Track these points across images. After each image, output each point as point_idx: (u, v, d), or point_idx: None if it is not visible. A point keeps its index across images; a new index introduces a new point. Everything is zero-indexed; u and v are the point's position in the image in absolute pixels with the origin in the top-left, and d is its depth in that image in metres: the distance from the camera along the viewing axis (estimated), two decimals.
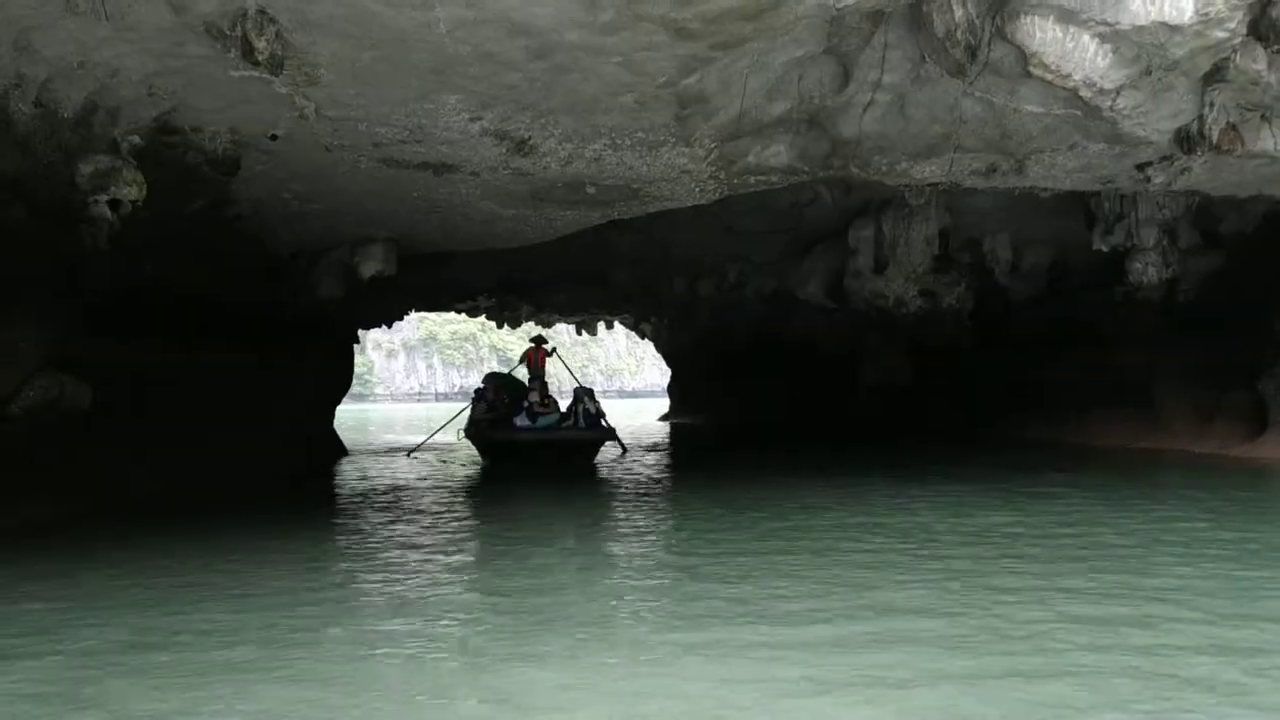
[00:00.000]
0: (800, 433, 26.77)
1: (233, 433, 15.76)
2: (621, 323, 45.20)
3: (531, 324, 44.16)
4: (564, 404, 20.15)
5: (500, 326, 45.49)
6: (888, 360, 27.08)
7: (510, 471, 17.24)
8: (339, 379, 21.41)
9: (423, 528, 10.67)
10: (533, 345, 21.71)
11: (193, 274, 14.47)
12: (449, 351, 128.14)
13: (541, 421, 18.59)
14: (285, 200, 14.30)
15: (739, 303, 31.44)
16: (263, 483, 15.11)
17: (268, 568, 8.27)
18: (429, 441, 23.72)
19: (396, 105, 10.23)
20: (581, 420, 19.02)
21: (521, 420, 18.59)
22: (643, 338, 48.72)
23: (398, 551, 9.07)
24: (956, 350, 24.93)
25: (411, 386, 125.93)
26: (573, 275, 30.49)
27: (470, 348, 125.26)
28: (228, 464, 15.07)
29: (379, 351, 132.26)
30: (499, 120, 10.95)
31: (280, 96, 9.85)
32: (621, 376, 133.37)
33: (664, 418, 44.22)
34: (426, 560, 8.64)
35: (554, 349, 21.73)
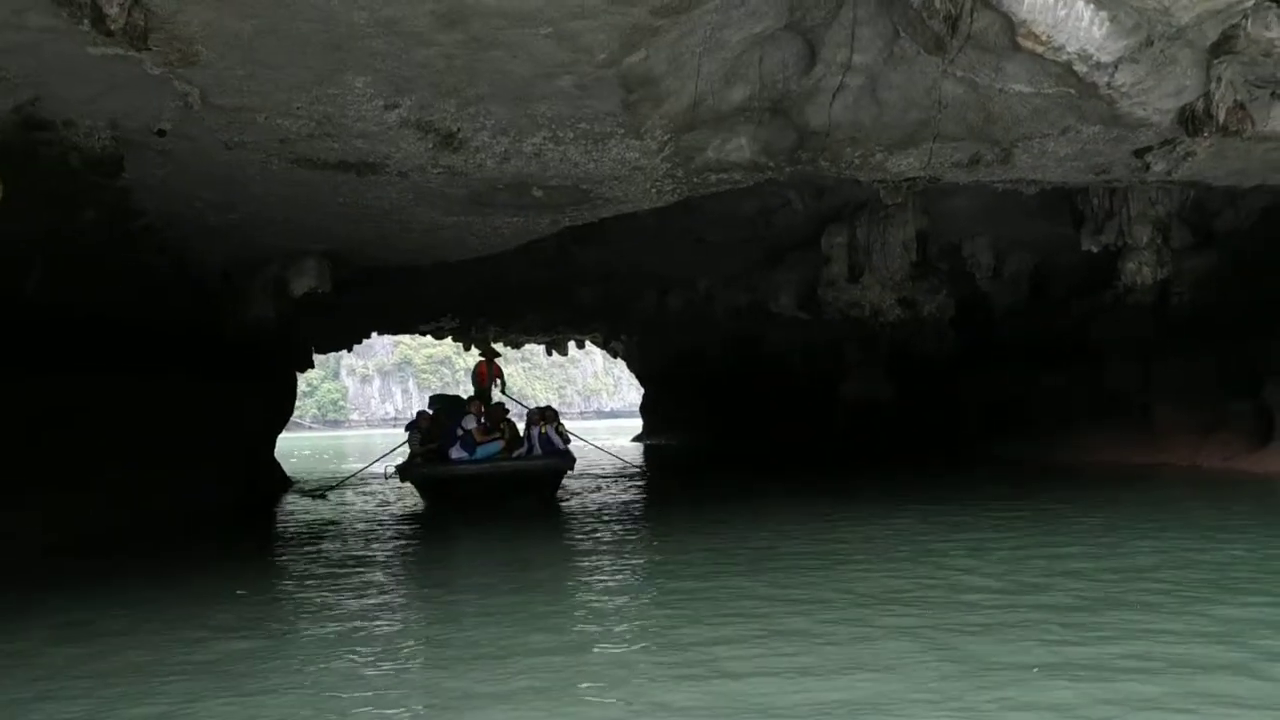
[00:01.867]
0: (777, 454, 25.47)
1: (150, 468, 14.32)
2: (591, 341, 43.90)
3: (501, 345, 42.96)
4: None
5: (468, 348, 44.02)
6: (867, 375, 25.84)
7: (450, 511, 14.93)
8: (279, 405, 19.97)
9: (351, 589, 9.27)
10: (482, 359, 19.60)
11: (98, 294, 13.08)
12: (424, 375, 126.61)
13: (481, 451, 15.62)
14: (199, 211, 12.92)
15: (710, 317, 30.23)
16: (180, 524, 13.64)
17: (131, 644, 6.88)
18: (361, 473, 21.65)
19: (296, 91, 8.89)
20: (538, 447, 16.20)
21: (456, 451, 15.61)
22: (615, 356, 47.41)
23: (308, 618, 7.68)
24: (939, 363, 23.72)
25: (387, 411, 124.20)
26: (537, 292, 29.23)
27: (446, 371, 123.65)
28: (143, 505, 13.61)
29: (353, 377, 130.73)
30: (418, 108, 9.62)
31: (157, 81, 8.50)
32: (599, 397, 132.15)
33: (638, 438, 42.99)
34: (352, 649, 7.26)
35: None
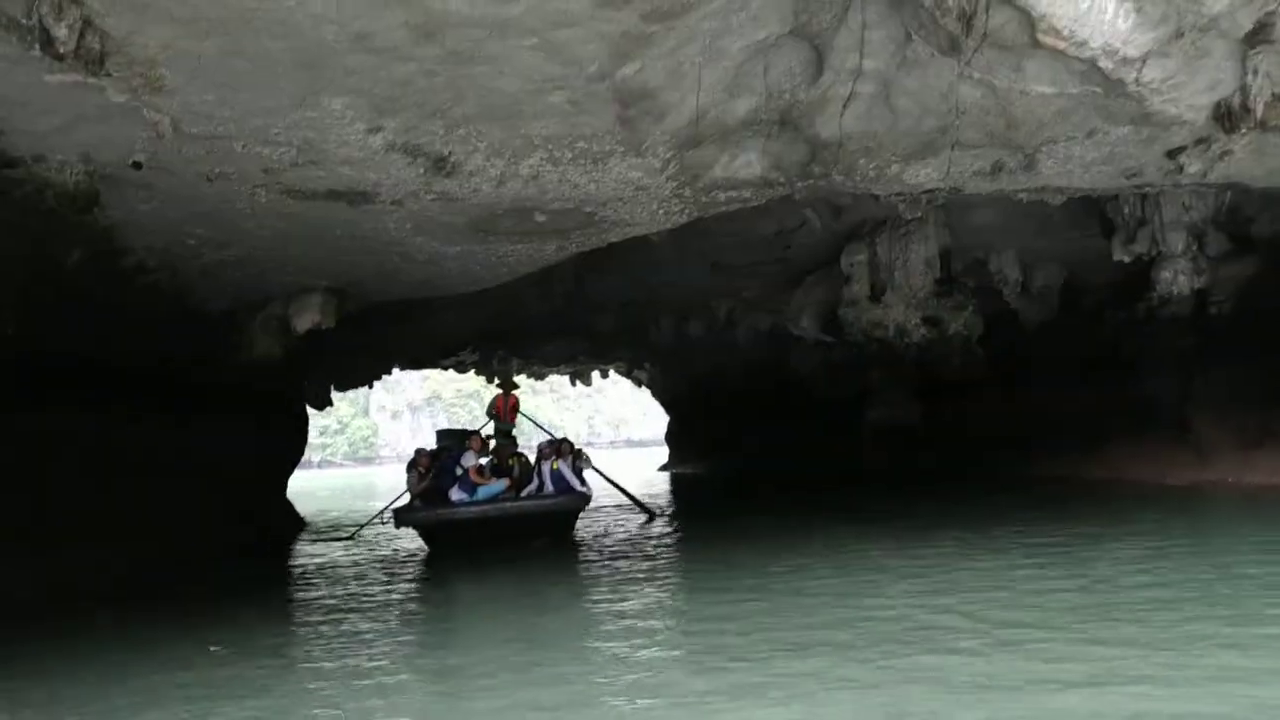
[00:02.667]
0: (804, 482, 24.75)
1: (145, 512, 13.84)
2: (615, 370, 43.39)
3: (524, 377, 42.53)
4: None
5: (490, 381, 43.54)
6: (893, 398, 25.10)
7: (451, 556, 13.63)
8: (288, 445, 19.49)
9: (337, 645, 8.69)
10: (500, 392, 18.54)
11: (91, 335, 12.65)
12: (454, 410, 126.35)
13: (483, 492, 14.35)
14: (193, 248, 12.50)
15: (732, 343, 29.68)
16: (174, 570, 13.10)
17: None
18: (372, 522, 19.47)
19: (272, 115, 8.42)
20: (549, 484, 14.79)
21: (456, 492, 14.35)
22: (640, 385, 46.83)
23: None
24: (967, 382, 22.97)
25: (418, 447, 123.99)
26: (555, 322, 28.79)
27: (475, 404, 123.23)
28: (136, 552, 13.11)
29: (383, 414, 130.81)
30: (404, 131, 9.14)
31: (125, 110, 8.05)
32: (629, 426, 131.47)
33: (663, 468, 42.39)
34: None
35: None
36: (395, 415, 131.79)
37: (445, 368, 39.78)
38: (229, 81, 7.70)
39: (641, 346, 32.94)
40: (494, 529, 13.75)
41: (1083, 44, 8.86)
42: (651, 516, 17.87)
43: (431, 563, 13.64)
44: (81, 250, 11.03)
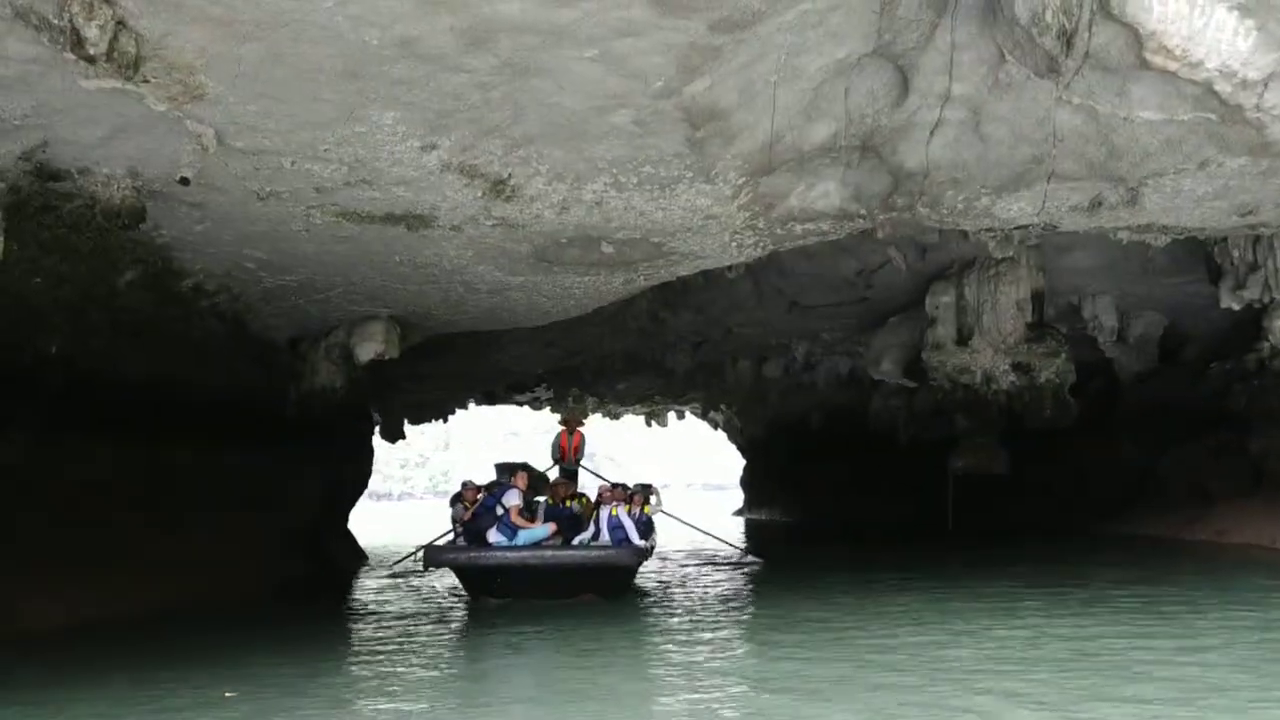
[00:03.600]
0: (886, 535, 23.72)
1: (206, 545, 13.55)
2: (691, 412, 42.70)
3: (600, 416, 42.17)
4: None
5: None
6: (979, 447, 23.97)
7: (497, 608, 12.33)
8: (351, 477, 19.14)
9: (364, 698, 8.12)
10: (563, 428, 17.40)
11: (147, 359, 12.43)
12: (536, 448, 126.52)
13: (524, 536, 12.80)
14: (252, 272, 12.22)
15: (811, 386, 28.86)
16: (220, 605, 12.69)
17: None
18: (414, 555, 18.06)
19: (319, 129, 8.01)
20: (605, 533, 13.15)
21: (495, 534, 12.85)
22: (716, 428, 46.04)
23: None
24: (1058, 434, 21.83)
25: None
26: (629, 360, 28.30)
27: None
28: (184, 585, 12.77)
29: (464, 449, 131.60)
30: (460, 150, 8.67)
31: (167, 121, 7.71)
32: (705, 470, 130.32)
33: (738, 513, 41.54)
34: None
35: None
36: (475, 451, 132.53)
37: (520, 404, 39.52)
38: (271, 91, 7.31)
39: (717, 387, 32.27)
40: (533, 578, 12.35)
41: (1197, 65, 8.05)
42: (744, 553, 17.26)
43: (477, 609, 12.64)
44: (134, 271, 10.80)
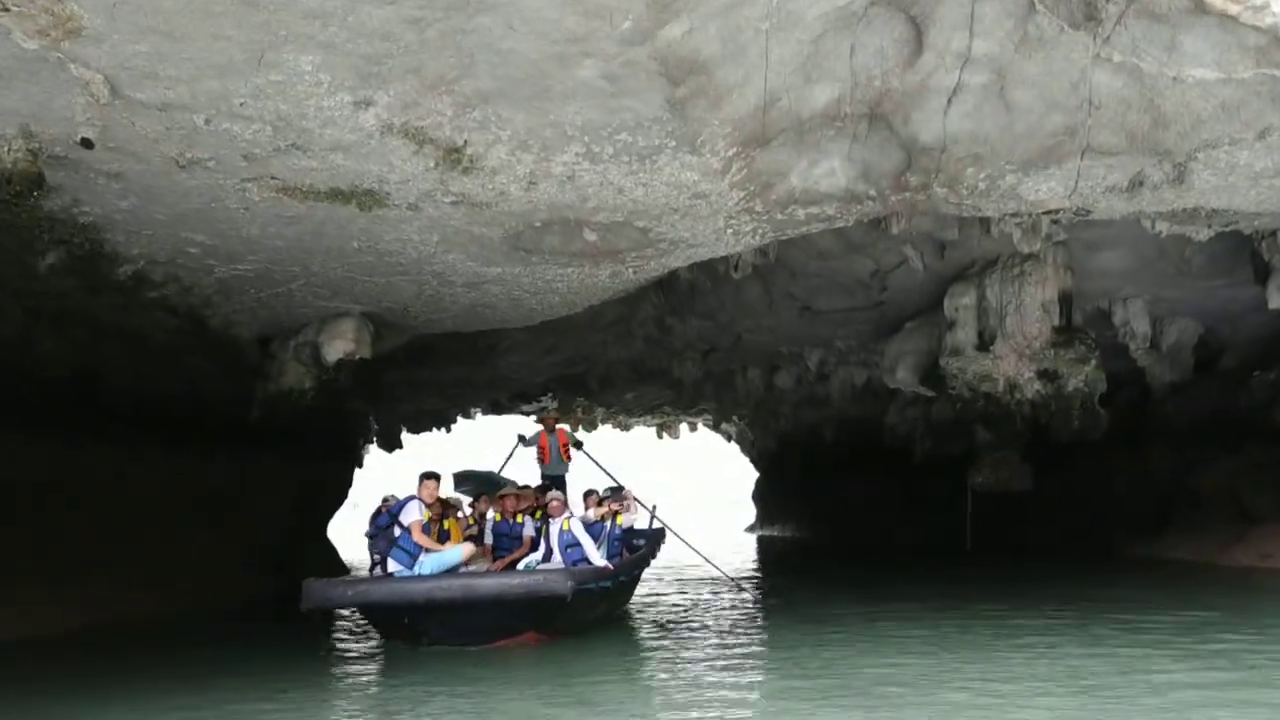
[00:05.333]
0: (903, 553, 22.43)
1: (164, 559, 12.44)
2: (703, 424, 41.53)
3: (610, 427, 41.13)
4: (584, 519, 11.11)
5: (574, 431, 41.84)
6: (1000, 461, 22.62)
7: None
8: (333, 485, 18.01)
9: None
10: (541, 428, 14.61)
11: (99, 357, 11.35)
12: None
13: (428, 563, 9.86)
14: (198, 259, 11.08)
15: (825, 398, 27.59)
16: (175, 626, 11.54)
17: None
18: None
19: (229, 77, 6.85)
20: (559, 553, 10.38)
21: (394, 562, 10.00)
22: (729, 440, 44.80)
23: None
24: (1084, 448, 20.50)
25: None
26: (636, 369, 27.19)
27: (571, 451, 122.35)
28: (146, 603, 11.64)
29: (479, 461, 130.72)
30: (401, 108, 7.51)
31: (48, 65, 6.58)
32: (720, 485, 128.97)
33: (750, 529, 40.35)
34: None
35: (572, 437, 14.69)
36: (484, 460, 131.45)
37: (527, 414, 38.40)
38: (160, 25, 6.15)
39: (728, 399, 31.10)
40: (445, 617, 9.33)
41: (1262, 8, 6.85)
42: (736, 585, 15.14)
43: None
44: (57, 253, 9.67)
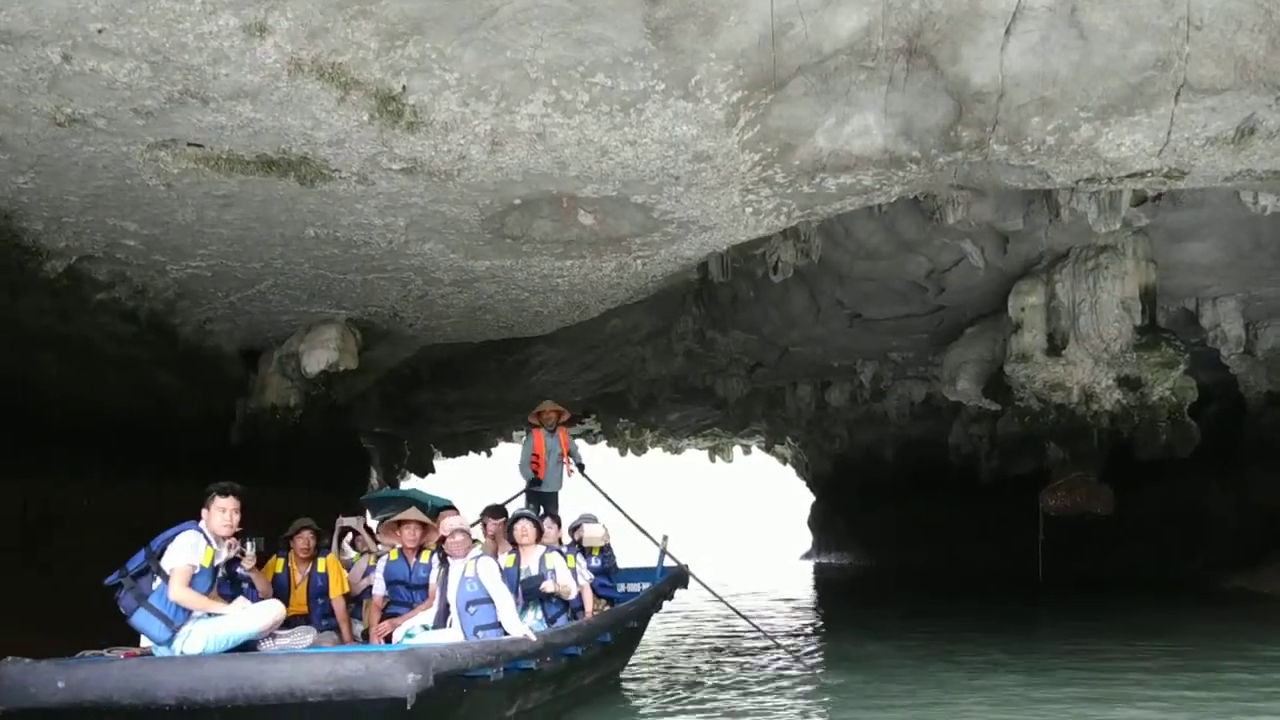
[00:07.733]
0: (964, 583, 20.48)
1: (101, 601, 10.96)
2: (757, 446, 39.84)
3: (661, 450, 39.72)
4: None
5: (623, 454, 40.37)
6: (1076, 483, 20.57)
7: None
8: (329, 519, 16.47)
9: None
10: (536, 426, 10.92)
11: (38, 372, 9.94)
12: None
13: (197, 636, 5.64)
14: (140, 252, 9.71)
15: (882, 416, 25.77)
16: None
17: None
18: None
19: None
20: (456, 614, 6.59)
21: (149, 635, 5.68)
22: (785, 463, 42.95)
23: None
24: (1170, 467, 18.49)
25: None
26: (677, 386, 25.72)
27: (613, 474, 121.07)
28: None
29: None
30: (306, 36, 5.96)
31: None
32: (774, 510, 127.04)
33: (806, 556, 38.49)
34: None
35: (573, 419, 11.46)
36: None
37: (573, 437, 36.96)
38: None
39: (778, 418, 29.41)
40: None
41: None
42: (778, 646, 10.91)
43: None
44: None
